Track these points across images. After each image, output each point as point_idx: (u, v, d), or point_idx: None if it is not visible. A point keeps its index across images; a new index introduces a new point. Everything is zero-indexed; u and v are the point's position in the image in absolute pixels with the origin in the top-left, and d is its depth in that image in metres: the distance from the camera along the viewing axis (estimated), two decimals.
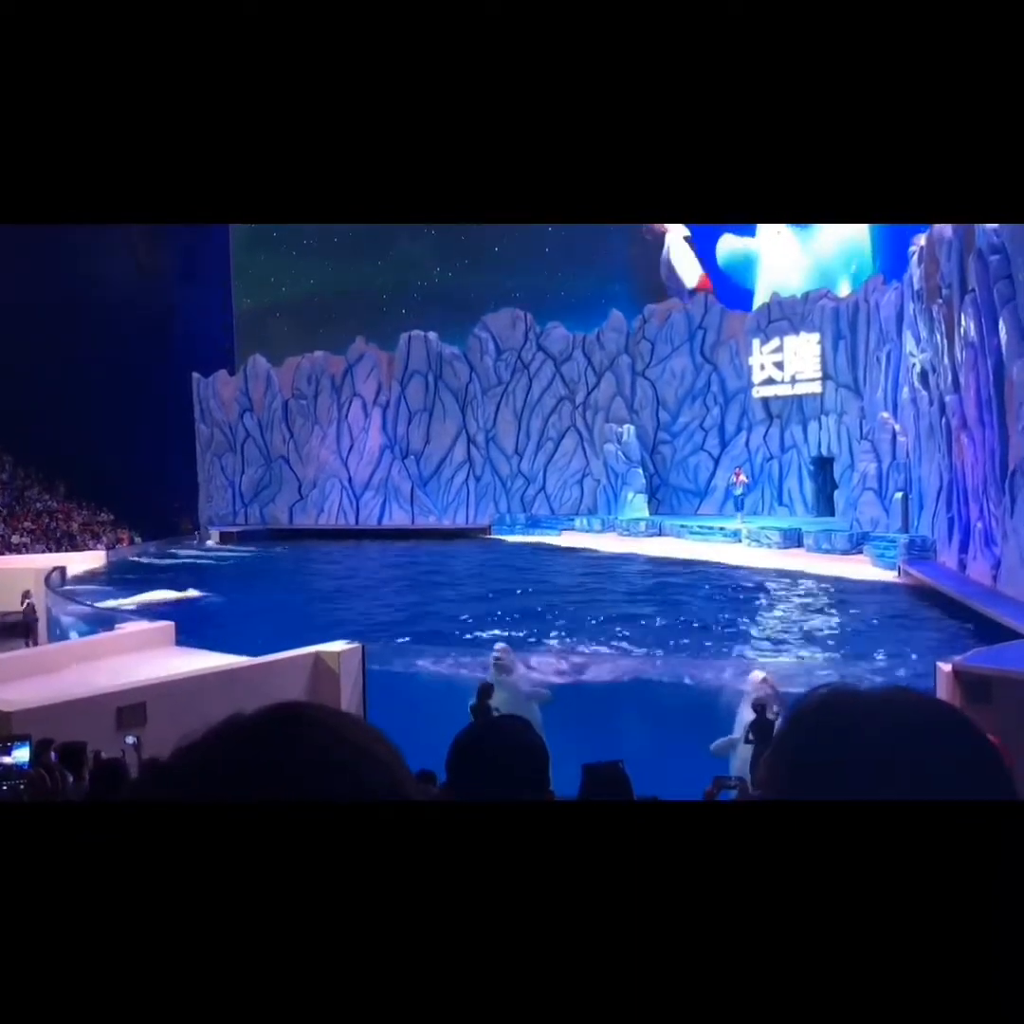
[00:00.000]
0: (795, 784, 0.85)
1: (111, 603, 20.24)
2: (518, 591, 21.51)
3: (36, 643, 17.97)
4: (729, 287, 42.62)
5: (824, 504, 30.96)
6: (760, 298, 35.27)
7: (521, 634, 15.50)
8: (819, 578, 21.41)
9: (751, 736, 9.19)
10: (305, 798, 0.75)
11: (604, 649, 14.64)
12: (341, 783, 0.77)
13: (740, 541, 26.70)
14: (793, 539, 25.40)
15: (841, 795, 0.80)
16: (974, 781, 0.81)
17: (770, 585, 21.15)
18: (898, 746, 0.82)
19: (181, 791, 0.77)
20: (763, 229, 41.57)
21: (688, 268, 43.98)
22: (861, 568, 22.03)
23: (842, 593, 19.68)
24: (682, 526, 29.41)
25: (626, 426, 34.21)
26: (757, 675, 10.27)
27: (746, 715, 9.77)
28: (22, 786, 4.88)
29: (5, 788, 4.86)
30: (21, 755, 5.19)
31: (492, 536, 34.93)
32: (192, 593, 22.03)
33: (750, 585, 21.26)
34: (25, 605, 19.90)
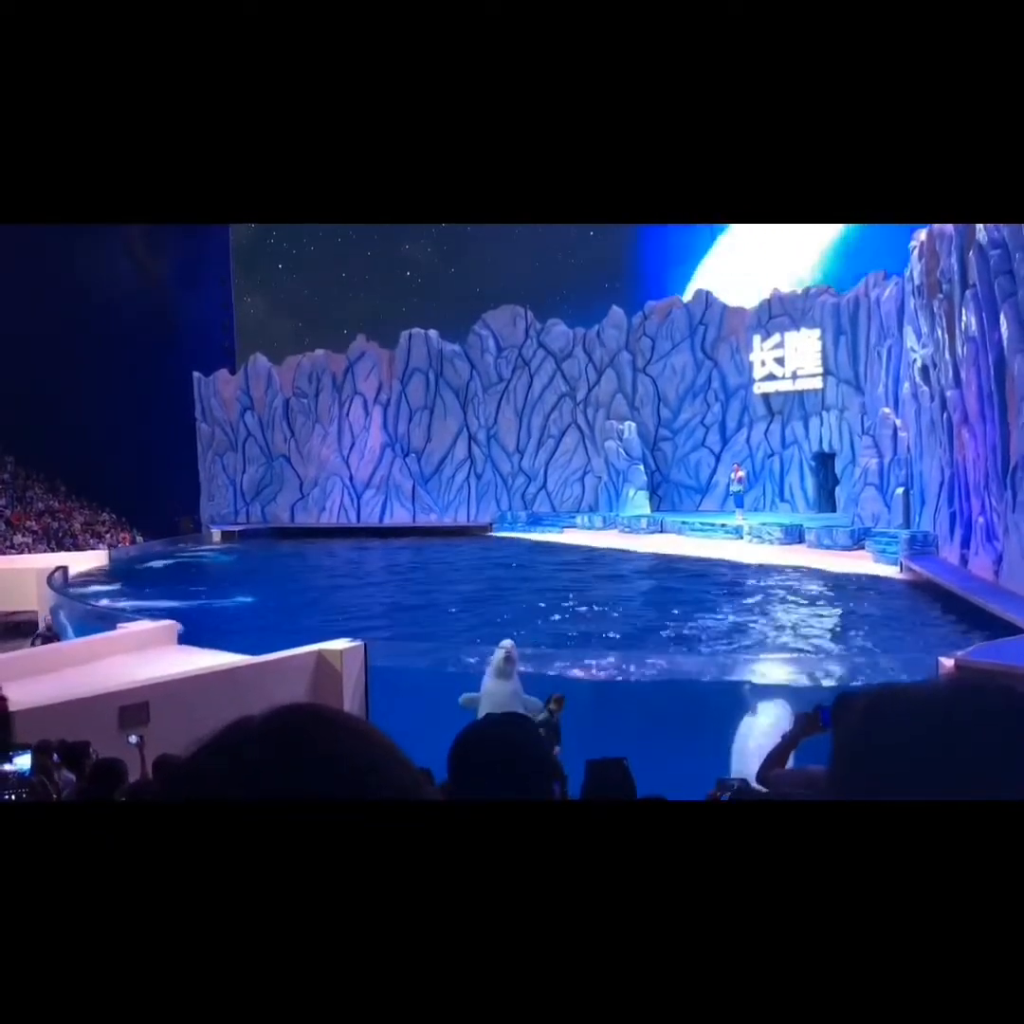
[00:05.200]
0: (874, 782, 0.84)
1: (115, 603, 20.24)
2: (520, 588, 21.50)
3: None
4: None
5: (825, 500, 30.95)
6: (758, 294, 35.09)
7: (523, 631, 15.49)
8: (821, 574, 21.39)
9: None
10: (320, 800, 0.75)
11: (607, 646, 14.63)
12: (365, 784, 0.77)
13: (742, 537, 26.67)
14: (794, 535, 25.37)
15: (924, 787, 0.80)
16: None
17: (771, 581, 21.14)
18: (976, 734, 0.81)
19: (192, 792, 0.77)
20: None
21: None
22: (863, 563, 22.01)
23: (844, 589, 19.67)
24: (683, 523, 29.37)
25: (627, 423, 34.17)
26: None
27: (782, 716, 9.64)
28: (24, 794, 4.86)
29: (10, 797, 4.84)
30: (22, 763, 5.17)
31: (494, 534, 34.90)
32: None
33: (751, 581, 21.25)
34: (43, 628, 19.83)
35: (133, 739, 7.50)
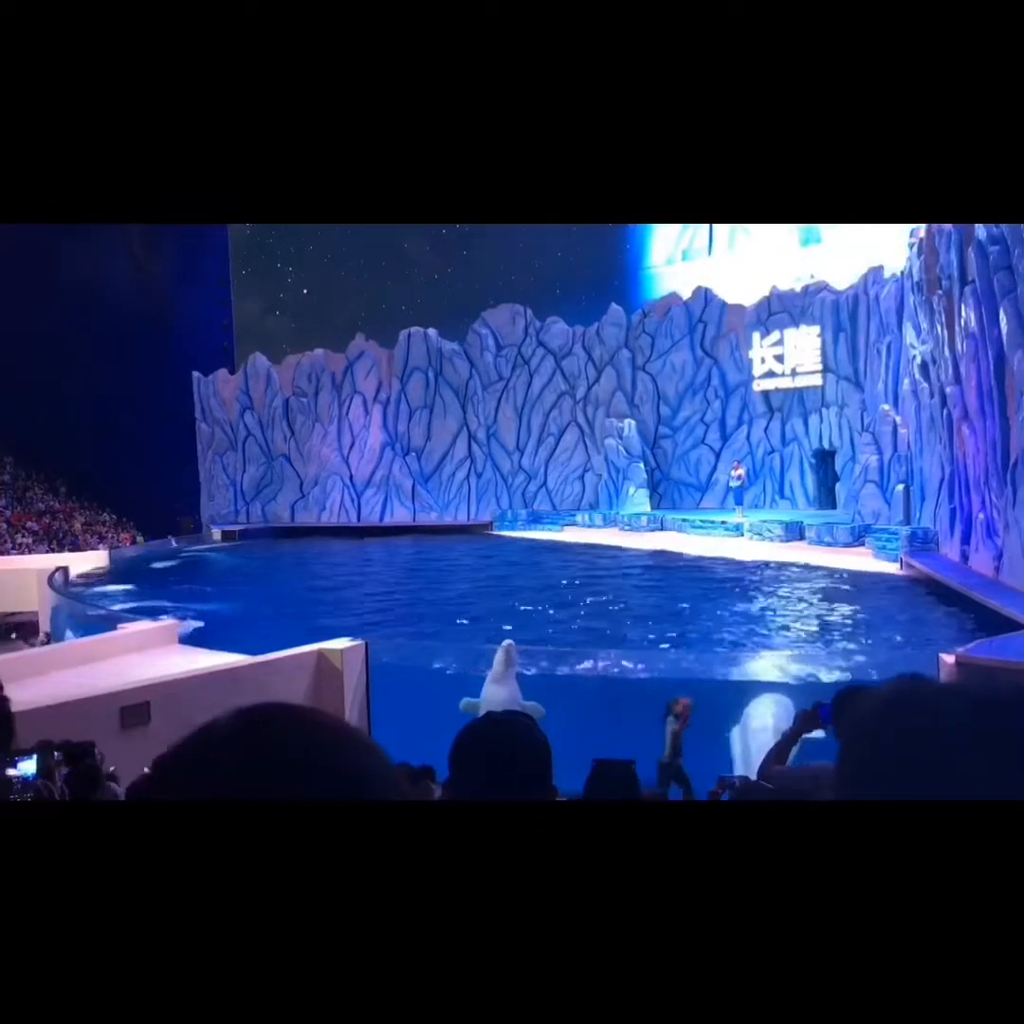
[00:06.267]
0: (882, 779, 0.84)
1: (116, 604, 20.25)
2: (521, 586, 21.51)
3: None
4: None
5: (826, 497, 30.95)
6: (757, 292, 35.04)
7: (525, 629, 15.51)
8: (821, 570, 21.39)
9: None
10: (293, 797, 0.74)
11: (608, 644, 14.63)
12: (343, 782, 0.77)
13: (742, 535, 26.67)
14: (795, 532, 25.37)
15: (941, 784, 0.80)
16: None
17: (772, 578, 21.14)
18: (987, 725, 0.81)
19: (171, 794, 0.77)
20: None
21: None
22: (863, 560, 22.01)
23: (844, 585, 19.68)
24: (684, 520, 29.36)
25: (627, 421, 34.16)
26: None
27: (782, 713, 9.64)
28: (29, 798, 4.83)
29: (15, 800, 4.81)
30: (27, 768, 5.15)
31: (494, 532, 34.90)
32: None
33: (751, 578, 21.25)
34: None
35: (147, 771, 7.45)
